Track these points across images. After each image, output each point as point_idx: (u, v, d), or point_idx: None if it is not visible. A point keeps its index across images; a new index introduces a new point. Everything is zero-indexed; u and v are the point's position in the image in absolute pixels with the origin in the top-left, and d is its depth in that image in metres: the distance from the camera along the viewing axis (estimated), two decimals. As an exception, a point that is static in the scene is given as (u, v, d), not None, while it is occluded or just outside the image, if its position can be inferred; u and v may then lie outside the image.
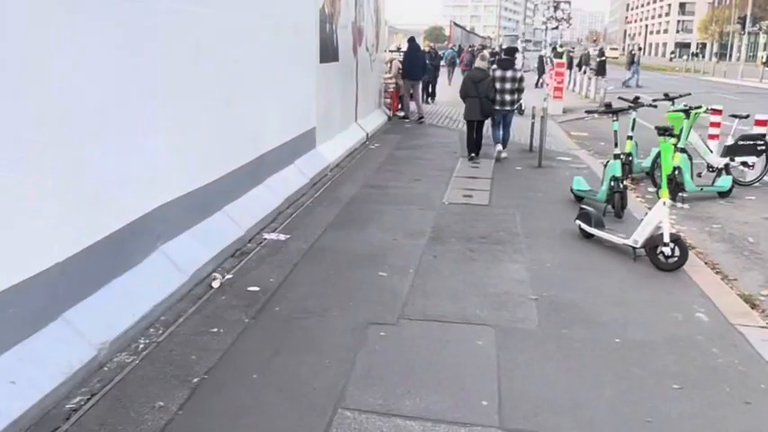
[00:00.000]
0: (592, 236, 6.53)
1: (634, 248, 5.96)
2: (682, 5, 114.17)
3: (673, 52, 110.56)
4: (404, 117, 16.05)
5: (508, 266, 5.74)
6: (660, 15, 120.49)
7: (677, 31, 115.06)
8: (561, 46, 12.59)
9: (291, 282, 5.29)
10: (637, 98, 9.98)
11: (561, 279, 5.46)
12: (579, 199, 8.19)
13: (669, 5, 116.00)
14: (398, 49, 20.72)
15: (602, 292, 5.21)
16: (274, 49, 7.42)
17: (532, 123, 12.18)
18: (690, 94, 11.13)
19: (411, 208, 7.68)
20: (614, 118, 7.80)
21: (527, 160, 11.10)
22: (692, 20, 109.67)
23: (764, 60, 54.13)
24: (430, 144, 12.60)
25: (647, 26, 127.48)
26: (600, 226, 6.50)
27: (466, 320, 4.60)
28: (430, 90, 18.46)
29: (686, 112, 8.73)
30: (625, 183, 7.37)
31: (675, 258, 5.70)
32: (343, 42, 11.17)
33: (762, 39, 70.37)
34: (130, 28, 4.43)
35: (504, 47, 47.10)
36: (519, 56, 20.37)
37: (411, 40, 16.11)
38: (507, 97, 10.90)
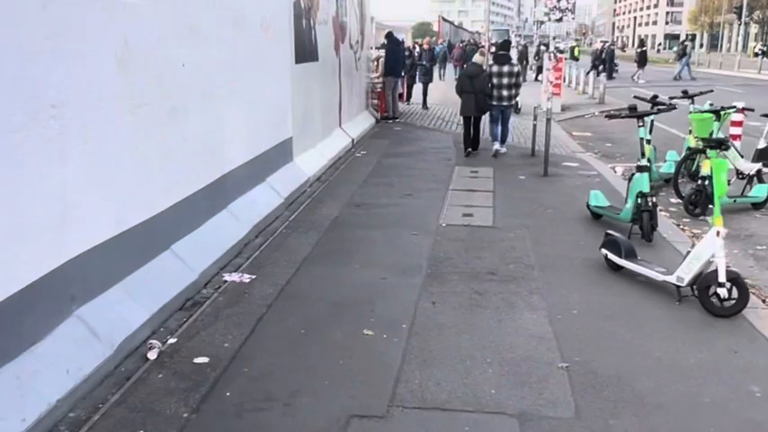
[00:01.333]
0: (621, 267, 5.41)
1: (679, 287, 4.84)
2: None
3: (660, 44, 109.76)
4: (392, 118, 14.89)
5: (525, 316, 4.60)
6: (649, 7, 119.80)
7: (666, 23, 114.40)
8: (554, 39, 11.63)
9: (251, 347, 4.13)
10: (655, 97, 8.88)
11: (594, 334, 4.33)
12: (597, 216, 7.07)
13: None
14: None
15: (650, 352, 4.08)
16: (236, 48, 6.25)
17: (534, 126, 11.05)
18: (712, 90, 10.00)
19: (402, 233, 6.53)
20: (640, 123, 6.66)
21: (530, 167, 9.97)
22: (680, 11, 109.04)
23: (757, 51, 53.36)
24: (422, 150, 11.44)
25: (635, 18, 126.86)
26: (632, 256, 5.37)
27: (479, 406, 3.46)
28: (406, 91, 17.41)
29: (716, 113, 7.58)
30: (654, 199, 6.25)
31: (733, 301, 4.58)
32: (324, 40, 10.00)
33: (753, 29, 69.64)
34: (17, 25, 3.26)
35: (493, 41, 46.04)
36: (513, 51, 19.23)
37: (389, 35, 14.94)
38: (505, 92, 10.64)
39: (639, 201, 6.26)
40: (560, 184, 8.88)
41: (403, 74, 15.72)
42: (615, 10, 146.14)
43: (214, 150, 5.82)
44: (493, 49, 18.21)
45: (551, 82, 9.78)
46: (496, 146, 10.91)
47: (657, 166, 9.17)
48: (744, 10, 36.86)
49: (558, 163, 10.22)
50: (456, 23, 69.26)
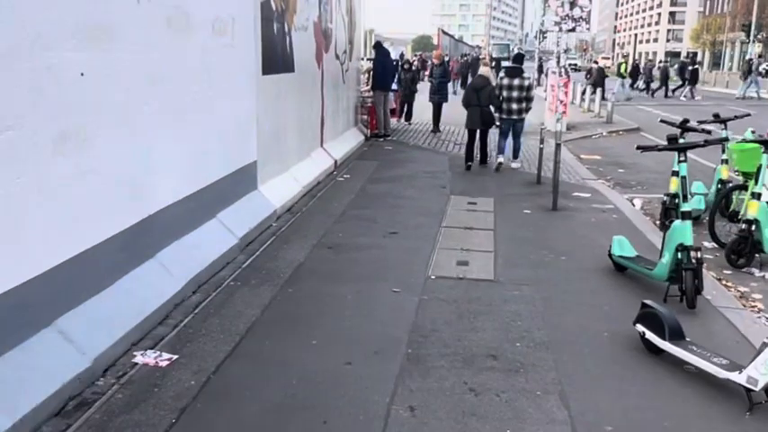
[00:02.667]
0: (662, 350, 4.09)
1: (750, 392, 3.52)
2: (672, 14, 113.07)
3: (661, 61, 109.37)
4: (383, 136, 13.59)
5: (540, 434, 3.27)
6: (650, 24, 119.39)
7: (667, 40, 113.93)
8: (566, 52, 10.39)
9: (137, 492, 2.79)
10: (685, 121, 7.57)
11: (641, 472, 3.00)
12: (621, 269, 5.76)
13: (659, 14, 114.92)
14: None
15: None
16: (173, 54, 4.94)
17: (541, 149, 9.75)
18: (749, 114, 8.71)
19: (381, 289, 5.21)
20: (681, 157, 5.32)
21: (537, 198, 8.66)
22: (682, 29, 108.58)
23: (761, 70, 52.25)
24: (412, 174, 10.13)
25: (636, 35, 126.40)
26: (678, 336, 4.05)
27: None
28: (406, 108, 15.92)
29: (765, 143, 6.27)
30: (700, 255, 4.92)
31: (833, 421, 3.27)
32: (302, 48, 8.72)
33: (756, 48, 68.80)
34: None
35: (494, 55, 44.86)
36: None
37: (378, 46, 13.68)
38: (514, 106, 10.30)
39: (680, 256, 4.94)
40: (572, 222, 7.56)
41: (395, 88, 14.44)
42: (616, 26, 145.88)
43: (135, 185, 4.50)
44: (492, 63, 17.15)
45: (562, 101, 8.45)
46: (501, 159, 10.63)
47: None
48: (753, 28, 35.82)
49: (568, 193, 8.92)
50: (456, 37, 68.34)
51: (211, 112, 5.75)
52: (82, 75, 3.79)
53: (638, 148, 5.77)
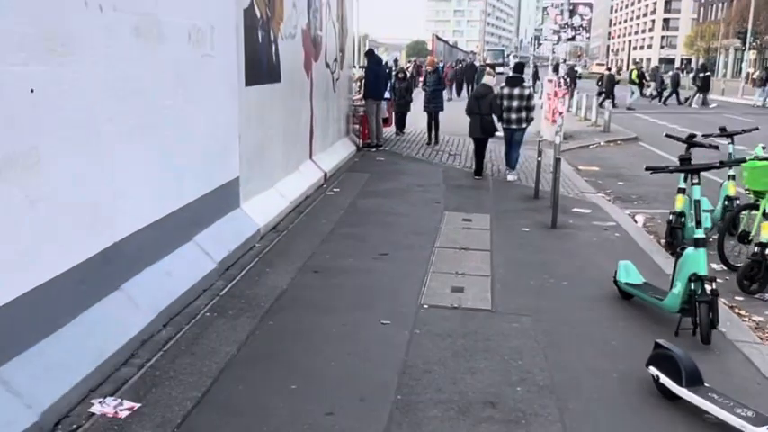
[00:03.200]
0: (679, 397, 3.69)
1: (779, 450, 3.13)
2: (666, 21, 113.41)
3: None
4: (375, 146, 13.20)
5: (546, 505, 2.86)
6: (644, 31, 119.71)
7: (661, 47, 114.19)
8: (564, 61, 10.03)
9: None
10: (692, 136, 7.20)
11: None
12: (627, 296, 5.37)
13: (653, 21, 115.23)
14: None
15: None
16: (142, 66, 4.54)
17: (538, 162, 9.38)
18: (757, 128, 8.34)
19: (368, 320, 4.80)
20: (694, 180, 4.92)
21: (535, 214, 8.28)
22: (676, 35, 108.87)
23: (755, 77, 52.08)
24: (405, 188, 9.74)
25: (630, 42, 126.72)
26: (696, 382, 3.67)
27: None
28: (399, 118, 15.46)
29: (783, 161, 5.89)
30: (715, 286, 4.53)
31: None
32: (290, 57, 8.33)
33: (751, 55, 68.84)
34: None
35: (488, 61, 44.69)
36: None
37: (370, 53, 13.29)
38: (514, 115, 10.22)
39: (694, 286, 4.56)
40: (573, 241, 7.18)
41: (388, 96, 14.05)
42: (610, 33, 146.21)
43: (97, 211, 4.08)
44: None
45: (561, 113, 8.08)
46: (509, 178, 10.59)
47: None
48: (749, 35, 35.63)
49: (568, 208, 8.53)
50: (451, 43, 68.17)
51: (187, 128, 5.35)
52: (32, 91, 3.38)
53: (648, 169, 5.39)
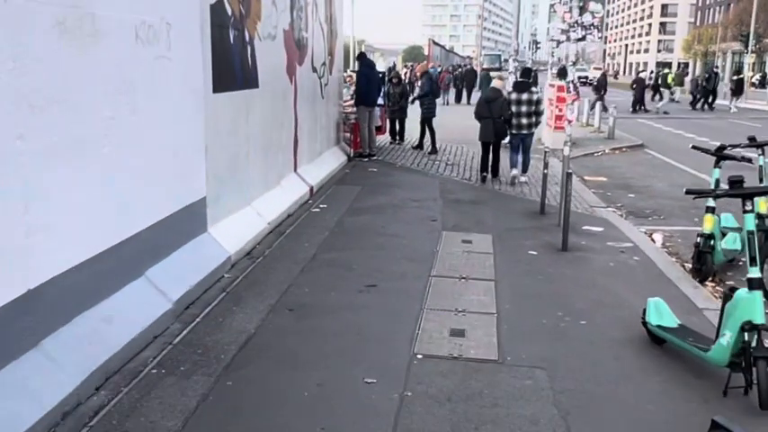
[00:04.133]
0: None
1: None
2: (662, 25, 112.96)
3: (653, 71, 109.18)
4: (367, 156, 12.35)
5: None
6: (641, 35, 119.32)
7: (658, 51, 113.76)
8: (573, 64, 9.18)
9: None
10: (721, 148, 6.36)
11: None
12: (659, 340, 4.52)
13: (650, 25, 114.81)
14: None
15: None
16: (66, 68, 3.69)
17: (544, 175, 8.54)
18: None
19: (350, 379, 3.94)
20: (747, 206, 4.03)
21: (542, 234, 7.44)
22: (673, 39, 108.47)
23: (755, 81, 51.28)
24: (399, 203, 8.88)
25: (626, 46, 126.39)
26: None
27: None
28: (398, 126, 14.51)
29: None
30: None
31: None
32: (269, 60, 7.49)
33: (750, 58, 68.26)
34: None
35: (485, 66, 43.73)
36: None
37: (361, 57, 12.44)
38: (524, 120, 10.12)
39: (747, 337, 3.71)
40: (588, 267, 6.33)
41: (381, 102, 13.20)
42: (606, 37, 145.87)
43: (3, 254, 3.22)
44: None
45: (569, 121, 7.24)
46: (514, 171, 10.47)
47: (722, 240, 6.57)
48: (751, 38, 34.90)
49: (577, 226, 7.68)
50: (447, 47, 67.47)
51: (135, 143, 4.49)
52: None
53: (689, 193, 4.52)
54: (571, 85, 7.52)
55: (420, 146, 13.76)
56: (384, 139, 14.67)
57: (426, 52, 54.90)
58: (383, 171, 11.38)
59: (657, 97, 26.78)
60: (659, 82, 27.51)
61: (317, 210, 8.40)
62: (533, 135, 10.58)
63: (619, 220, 8.52)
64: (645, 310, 4.64)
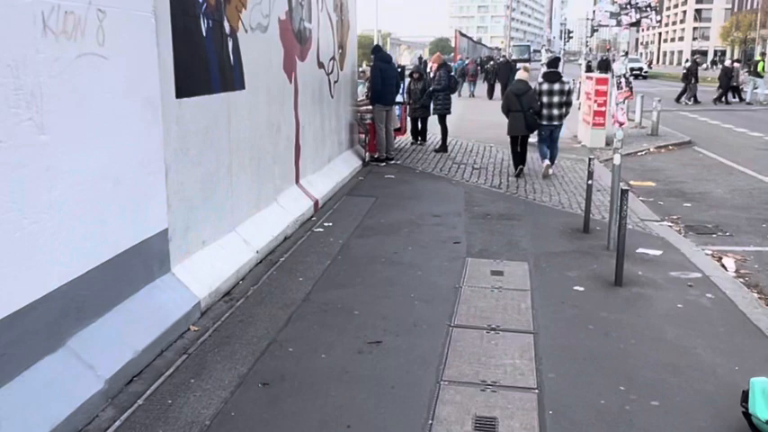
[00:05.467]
0: None
1: None
2: (698, 12, 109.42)
3: (687, 60, 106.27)
4: (385, 160, 11.13)
5: None
6: (675, 23, 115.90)
7: (693, 39, 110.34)
8: (625, 55, 7.95)
9: None
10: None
11: None
12: (768, 439, 3.23)
13: (684, 12, 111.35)
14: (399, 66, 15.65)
15: None
16: None
17: (589, 186, 7.21)
18: None
19: None
20: None
21: (588, 260, 6.15)
22: (708, 26, 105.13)
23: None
24: (416, 219, 7.64)
25: (660, 34, 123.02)
26: None
27: None
28: (420, 126, 13.19)
29: None
30: None
31: None
32: (259, 55, 6.32)
33: (791, 45, 65.28)
34: None
35: (513, 57, 42.30)
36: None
37: (377, 50, 11.15)
38: (555, 111, 10.02)
39: None
40: (650, 311, 5.02)
41: (400, 100, 11.95)
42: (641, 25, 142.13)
43: None
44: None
45: (621, 123, 5.92)
46: (546, 163, 10.29)
47: None
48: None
49: (630, 248, 6.30)
50: (475, 39, 65.81)
51: (48, 174, 3.33)
52: None
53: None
54: (622, 80, 6.11)
55: (444, 148, 12.49)
56: (405, 139, 13.43)
57: (453, 44, 53.43)
58: (401, 178, 10.14)
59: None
60: (750, 69, 25.62)
61: (321, 229, 7.20)
62: (562, 126, 10.45)
63: (678, 239, 7.16)
64: (746, 394, 3.35)
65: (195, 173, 5.03)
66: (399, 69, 12.36)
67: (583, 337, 4.51)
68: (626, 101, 6.32)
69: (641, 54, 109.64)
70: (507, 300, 5.14)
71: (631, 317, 4.85)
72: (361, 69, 12.30)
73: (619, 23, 6.16)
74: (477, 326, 4.64)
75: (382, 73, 10.54)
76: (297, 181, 7.77)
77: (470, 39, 56.98)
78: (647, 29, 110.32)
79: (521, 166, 10.21)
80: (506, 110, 10.04)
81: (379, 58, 10.76)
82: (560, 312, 4.92)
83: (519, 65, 13.28)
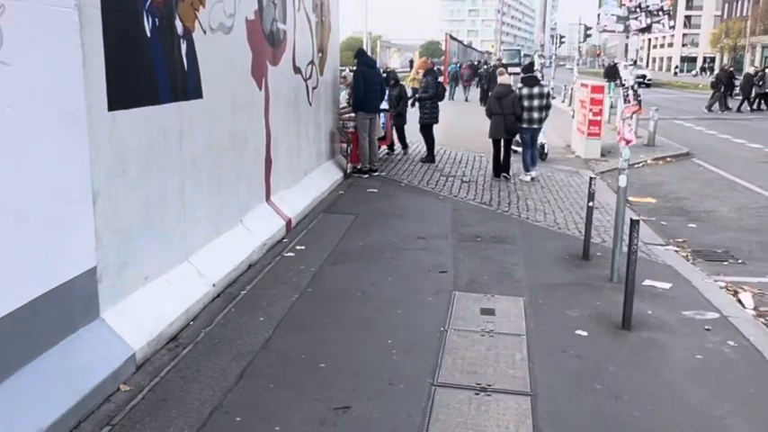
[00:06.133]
0: None
1: None
2: (687, 18, 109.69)
3: (677, 66, 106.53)
4: (368, 171, 10.40)
5: None
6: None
7: (683, 45, 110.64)
8: (632, 64, 7.38)
9: None
10: None
11: None
12: None
13: (674, 18, 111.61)
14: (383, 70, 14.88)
15: None
16: None
17: (590, 209, 6.52)
18: None
19: None
20: None
21: (590, 295, 5.45)
22: (698, 33, 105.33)
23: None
24: (399, 241, 6.91)
25: (649, 40, 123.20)
26: None
27: None
28: (395, 134, 12.44)
29: None
30: None
31: None
32: (221, 59, 5.58)
33: (783, 52, 65.22)
34: None
35: (504, 62, 41.96)
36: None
37: (360, 54, 10.40)
38: (536, 115, 10.16)
39: None
40: (665, 365, 4.30)
41: (385, 107, 11.24)
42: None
43: None
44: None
45: (628, 141, 5.22)
46: (529, 176, 10.35)
47: None
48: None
49: (636, 281, 5.60)
50: (465, 43, 65.33)
51: None
52: None
53: None
54: (630, 92, 5.41)
55: (431, 158, 11.79)
56: (384, 149, 12.66)
57: (444, 48, 52.81)
58: (385, 192, 9.40)
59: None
60: None
61: (292, 254, 6.45)
62: (542, 129, 10.75)
63: (687, 268, 6.48)
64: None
65: (136, 197, 4.28)
66: (385, 75, 11.65)
67: (590, 400, 3.79)
68: (634, 116, 5.63)
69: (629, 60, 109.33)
70: (500, 348, 4.42)
71: (645, 373, 4.14)
72: (342, 74, 11.53)
73: (627, 29, 5.46)
74: (464, 385, 3.91)
75: (365, 78, 9.81)
76: (267, 198, 7.02)
77: (461, 42, 56.47)
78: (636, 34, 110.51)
79: (503, 174, 10.33)
80: (489, 113, 10.21)
81: (362, 62, 10.03)
82: (562, 366, 4.21)
83: (508, 68, 12.84)
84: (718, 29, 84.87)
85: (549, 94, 10.45)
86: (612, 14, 5.50)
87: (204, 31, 5.25)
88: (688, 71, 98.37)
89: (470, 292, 5.49)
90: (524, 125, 10.18)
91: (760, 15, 68.10)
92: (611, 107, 18.93)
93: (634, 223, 4.70)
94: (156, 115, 4.49)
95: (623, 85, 5.48)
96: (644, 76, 43.19)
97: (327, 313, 4.96)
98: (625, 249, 6.77)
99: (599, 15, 5.64)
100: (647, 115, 15.38)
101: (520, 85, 10.40)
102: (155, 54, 4.48)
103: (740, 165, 13.08)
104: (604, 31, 5.57)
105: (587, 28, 28.12)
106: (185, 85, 4.97)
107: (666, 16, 5.32)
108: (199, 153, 5.22)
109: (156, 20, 4.48)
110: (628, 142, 5.60)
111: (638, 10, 5.38)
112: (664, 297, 5.53)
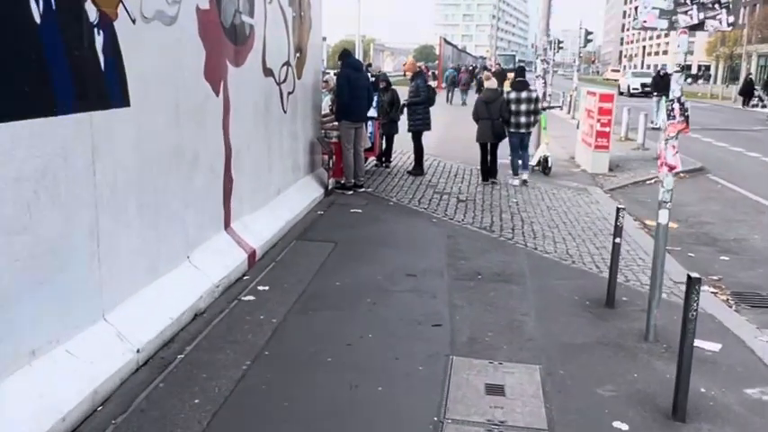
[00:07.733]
0: None
1: None
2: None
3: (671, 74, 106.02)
4: (353, 187, 9.21)
5: None
6: (659, 36, 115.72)
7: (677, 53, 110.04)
8: (681, 70, 6.58)
9: None
10: None
11: None
12: None
13: (733, 14, 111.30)
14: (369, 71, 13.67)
15: None
16: None
17: (616, 246, 5.34)
18: None
19: None
20: None
21: (624, 361, 4.29)
22: (693, 41, 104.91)
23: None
24: (384, 280, 5.72)
25: (644, 47, 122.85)
26: None
27: None
28: (386, 144, 11.24)
29: None
30: None
31: None
32: (159, 57, 4.40)
33: (775, 60, 64.59)
34: None
35: (503, 66, 41.03)
36: (538, 82, 13.83)
37: (345, 55, 9.19)
38: (523, 119, 10.07)
39: None
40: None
41: (373, 114, 10.05)
42: (623, 38, 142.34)
43: None
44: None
45: (673, 167, 4.02)
46: (518, 180, 10.31)
47: None
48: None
49: (676, 340, 4.46)
50: (460, 47, 64.42)
51: None
52: None
53: None
54: (676, 107, 4.24)
55: (420, 171, 10.69)
56: (372, 160, 11.46)
57: (438, 52, 51.79)
58: (371, 213, 8.21)
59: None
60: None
61: (252, 297, 5.25)
62: (531, 133, 10.64)
63: (733, 319, 5.33)
64: None
65: (13, 247, 3.07)
66: (373, 78, 10.47)
67: None
68: (679, 135, 4.48)
69: (624, 67, 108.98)
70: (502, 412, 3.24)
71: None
72: (324, 78, 10.35)
73: (672, 26, 4.31)
74: None
75: (350, 83, 8.61)
76: (227, 226, 5.82)
77: (455, 46, 55.55)
78: (632, 42, 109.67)
79: (491, 179, 10.26)
80: (476, 117, 10.16)
81: (347, 64, 8.83)
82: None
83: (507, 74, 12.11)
84: (714, 37, 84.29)
85: (537, 99, 10.35)
86: (654, 8, 4.35)
87: (133, 21, 4.07)
88: (684, 79, 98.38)
89: (472, 356, 4.31)
90: (512, 129, 10.10)
91: (756, 24, 67.65)
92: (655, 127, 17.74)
93: (693, 282, 3.52)
94: (49, 131, 3.29)
95: (670, 97, 4.33)
96: (645, 84, 41.81)
97: (284, 394, 3.76)
98: (636, 280, 5.68)
99: (635, 9, 4.47)
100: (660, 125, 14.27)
101: (509, 89, 10.43)
102: (48, 47, 3.28)
103: (761, 182, 11.98)
104: (643, 28, 4.42)
105: (588, 33, 27.05)
106: (102, 90, 3.77)
107: (725, 10, 4.17)
108: (123, 177, 4.03)
109: (52, 2, 3.28)
110: (671, 168, 4.45)
111: (688, 2, 4.23)
112: (716, 365, 4.37)
